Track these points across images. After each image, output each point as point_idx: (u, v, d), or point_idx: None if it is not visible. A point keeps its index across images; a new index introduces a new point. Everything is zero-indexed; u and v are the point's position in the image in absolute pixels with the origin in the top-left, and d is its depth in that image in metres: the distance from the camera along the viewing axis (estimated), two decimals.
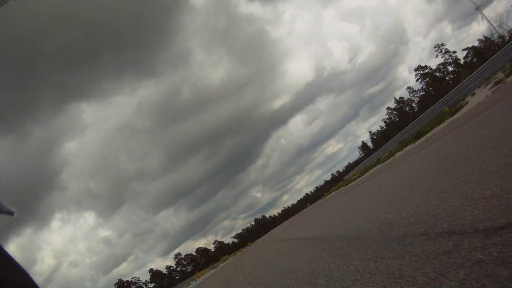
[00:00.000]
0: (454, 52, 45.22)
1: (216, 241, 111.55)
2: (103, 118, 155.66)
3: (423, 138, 19.13)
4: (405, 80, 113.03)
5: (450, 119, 17.59)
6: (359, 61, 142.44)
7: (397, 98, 59.21)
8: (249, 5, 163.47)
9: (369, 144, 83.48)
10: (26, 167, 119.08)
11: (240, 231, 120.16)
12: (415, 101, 55.85)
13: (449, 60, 46.07)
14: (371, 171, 25.86)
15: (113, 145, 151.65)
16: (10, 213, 0.73)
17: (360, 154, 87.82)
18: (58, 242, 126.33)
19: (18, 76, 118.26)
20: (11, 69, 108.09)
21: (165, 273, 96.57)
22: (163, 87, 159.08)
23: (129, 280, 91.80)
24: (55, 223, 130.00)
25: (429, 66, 50.45)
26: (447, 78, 46.74)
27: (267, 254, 11.10)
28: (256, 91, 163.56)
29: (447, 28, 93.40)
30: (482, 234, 2.13)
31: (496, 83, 17.89)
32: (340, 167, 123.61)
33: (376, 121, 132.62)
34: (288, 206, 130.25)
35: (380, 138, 69.87)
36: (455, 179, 3.95)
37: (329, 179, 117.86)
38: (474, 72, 25.68)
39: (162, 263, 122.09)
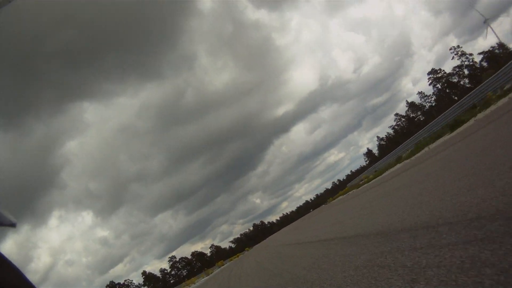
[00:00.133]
0: (471, 54, 42.92)
1: (212, 245, 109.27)
2: (105, 119, 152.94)
3: (461, 128, 16.57)
4: (409, 92, 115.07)
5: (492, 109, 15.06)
6: (363, 72, 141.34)
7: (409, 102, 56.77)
8: (256, 12, 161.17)
9: (375, 151, 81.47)
10: (26, 164, 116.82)
11: (238, 236, 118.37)
12: (426, 106, 53.46)
13: (465, 63, 43.67)
14: (390, 170, 23.35)
15: (114, 146, 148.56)
16: (13, 225, 0.71)
17: (366, 161, 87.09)
18: (55, 240, 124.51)
19: (21, 74, 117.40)
20: (14, 67, 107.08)
21: (158, 276, 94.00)
22: (167, 90, 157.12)
23: (121, 283, 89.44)
24: (53, 221, 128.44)
25: (443, 70, 48.15)
26: (461, 82, 44.39)
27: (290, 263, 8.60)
28: (259, 97, 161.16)
29: (453, 42, 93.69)
30: None
31: None
32: (341, 176, 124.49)
33: (379, 132, 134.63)
34: (287, 213, 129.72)
35: (387, 144, 67.64)
36: None
37: (329, 187, 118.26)
38: (502, 69, 23.28)
39: (159, 266, 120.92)
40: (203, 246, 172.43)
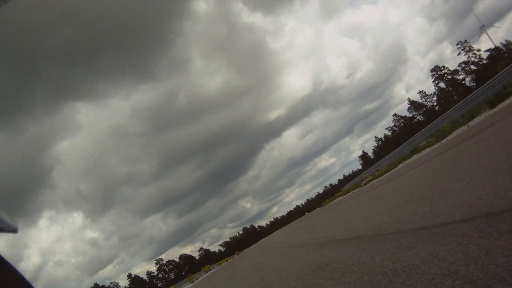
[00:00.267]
0: (479, 50, 40.71)
1: (201, 248, 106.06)
2: (97, 120, 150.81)
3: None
4: (402, 98, 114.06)
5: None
6: (357, 77, 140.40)
7: (411, 99, 54.53)
8: (251, 15, 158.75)
9: (372, 152, 80.00)
10: (17, 163, 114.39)
11: (227, 239, 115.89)
12: (427, 105, 51.24)
13: (472, 59, 41.47)
14: (401, 165, 20.48)
15: (106, 147, 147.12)
16: (14, 230, 0.70)
17: (360, 164, 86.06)
18: (45, 240, 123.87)
19: (15, 73, 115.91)
20: (9, 64, 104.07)
21: (145, 279, 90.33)
22: (160, 92, 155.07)
23: (105, 286, 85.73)
24: (43, 222, 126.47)
25: (447, 67, 45.95)
26: (468, 78, 42.21)
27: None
28: (252, 101, 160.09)
29: (447, 49, 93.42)
30: None
31: None
32: (332, 181, 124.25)
33: (370, 138, 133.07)
34: (277, 218, 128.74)
35: (385, 144, 65.46)
36: None
37: (321, 192, 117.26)
38: None
39: (148, 268, 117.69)
40: (192, 249, 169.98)
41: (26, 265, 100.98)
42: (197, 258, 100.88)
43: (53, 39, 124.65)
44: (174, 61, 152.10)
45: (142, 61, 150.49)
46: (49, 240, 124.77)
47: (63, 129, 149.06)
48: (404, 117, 62.96)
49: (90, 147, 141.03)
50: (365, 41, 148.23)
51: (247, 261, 16.96)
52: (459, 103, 25.86)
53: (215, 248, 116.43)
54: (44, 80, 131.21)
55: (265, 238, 70.79)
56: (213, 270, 43.27)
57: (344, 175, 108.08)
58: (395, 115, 64.51)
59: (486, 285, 1.56)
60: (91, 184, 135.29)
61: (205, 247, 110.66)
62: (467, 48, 41.27)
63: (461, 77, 43.02)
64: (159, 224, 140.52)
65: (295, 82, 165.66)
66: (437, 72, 48.12)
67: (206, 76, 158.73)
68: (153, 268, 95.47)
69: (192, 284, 37.19)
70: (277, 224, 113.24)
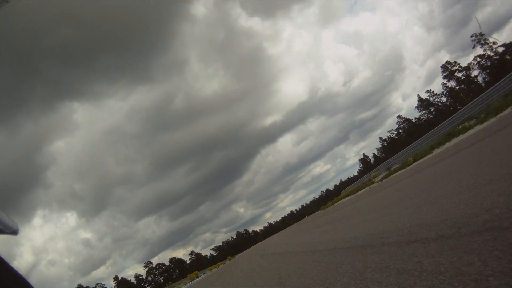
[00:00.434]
0: (495, 43, 37.60)
1: (192, 252, 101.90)
2: (94, 120, 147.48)
3: None
4: (398, 107, 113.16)
5: None
6: (353, 85, 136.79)
7: (421, 97, 51.52)
8: (249, 20, 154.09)
9: (377, 153, 77.82)
10: (12, 160, 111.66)
11: (220, 244, 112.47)
12: (436, 105, 48.16)
13: (487, 53, 38.34)
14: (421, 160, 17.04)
15: (101, 148, 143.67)
16: (14, 232, 0.71)
17: (360, 167, 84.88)
18: (38, 239, 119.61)
19: (14, 70, 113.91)
20: (8, 64, 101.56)
21: (133, 282, 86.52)
22: (157, 94, 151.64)
23: (89, 287, 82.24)
24: (37, 220, 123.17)
25: (458, 63, 42.87)
26: (482, 74, 39.16)
27: None
28: (248, 106, 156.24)
29: (445, 57, 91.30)
30: None
31: None
32: (327, 187, 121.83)
33: (366, 146, 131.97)
34: (271, 223, 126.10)
35: (388, 146, 62.74)
36: None
37: (316, 198, 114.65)
38: None
39: (140, 270, 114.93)
40: (184, 253, 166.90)
41: (19, 263, 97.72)
42: (188, 262, 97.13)
43: (53, 39, 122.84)
44: (172, 63, 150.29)
45: (140, 62, 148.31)
46: (43, 239, 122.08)
47: (59, 129, 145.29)
48: (409, 120, 60.99)
49: (86, 147, 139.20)
50: (363, 49, 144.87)
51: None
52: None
53: (207, 252, 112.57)
54: (41, 79, 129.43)
55: (260, 242, 66.86)
56: (200, 278, 38.96)
57: (341, 180, 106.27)
58: (399, 117, 62.15)
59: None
60: (86, 184, 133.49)
61: (197, 251, 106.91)
62: (482, 41, 38.13)
63: (476, 72, 40.02)
64: (152, 227, 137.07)
65: (292, 88, 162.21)
66: (448, 69, 45.06)
67: (204, 79, 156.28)
68: (141, 270, 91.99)
69: None
70: (271, 229, 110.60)
